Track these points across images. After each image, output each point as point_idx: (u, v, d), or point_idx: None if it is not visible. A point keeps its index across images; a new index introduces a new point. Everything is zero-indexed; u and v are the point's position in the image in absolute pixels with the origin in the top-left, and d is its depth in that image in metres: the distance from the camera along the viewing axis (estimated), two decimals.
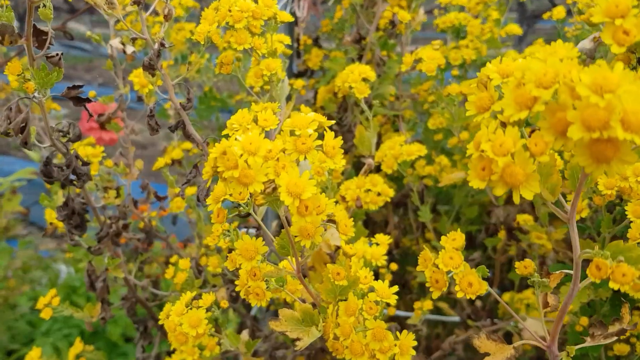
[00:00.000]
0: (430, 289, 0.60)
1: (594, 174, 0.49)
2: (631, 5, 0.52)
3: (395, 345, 0.80)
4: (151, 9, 1.14)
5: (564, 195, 1.21)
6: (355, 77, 1.35)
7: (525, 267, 0.62)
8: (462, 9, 2.16)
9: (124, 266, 1.36)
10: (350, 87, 1.36)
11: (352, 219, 1.23)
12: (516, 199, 0.52)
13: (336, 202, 1.45)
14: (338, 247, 1.27)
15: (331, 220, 1.29)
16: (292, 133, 0.67)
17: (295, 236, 0.71)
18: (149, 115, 1.10)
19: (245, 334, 1.10)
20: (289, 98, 1.53)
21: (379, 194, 1.39)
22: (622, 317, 0.67)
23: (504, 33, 2.41)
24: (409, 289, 1.93)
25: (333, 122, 0.71)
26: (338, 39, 1.94)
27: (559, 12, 1.89)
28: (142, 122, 1.33)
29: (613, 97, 0.46)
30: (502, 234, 1.46)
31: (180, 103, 1.11)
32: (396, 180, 1.83)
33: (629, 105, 0.46)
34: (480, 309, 1.57)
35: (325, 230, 0.81)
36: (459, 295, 0.59)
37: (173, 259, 1.30)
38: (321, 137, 0.71)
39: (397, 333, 0.83)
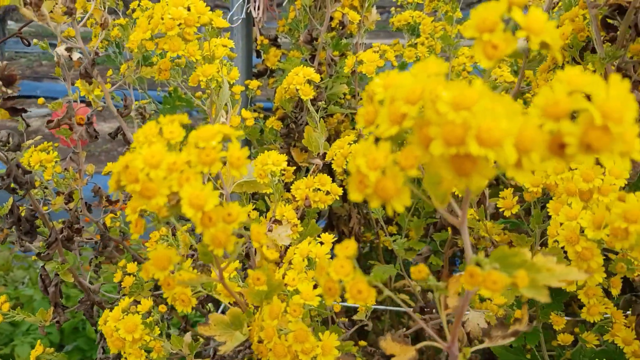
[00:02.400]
0: (325, 297, 0.62)
1: (459, 185, 0.51)
2: (498, 21, 0.54)
3: (318, 346, 0.83)
4: (85, 18, 1.15)
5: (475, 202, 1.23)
6: (300, 79, 1.36)
7: (419, 271, 0.64)
8: (418, 6, 2.18)
9: (74, 270, 1.37)
10: (297, 90, 1.38)
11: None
12: (389, 211, 0.54)
13: (288, 201, 1.47)
14: (288, 246, 1.29)
15: (277, 221, 1.31)
16: (196, 145, 0.69)
17: (208, 245, 0.73)
18: (87, 122, 1.11)
19: (188, 337, 1.12)
20: (248, 102, 1.56)
21: (327, 193, 1.41)
22: (522, 319, 0.69)
23: (457, 29, 2.44)
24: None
25: (240, 132, 0.72)
26: (295, 38, 1.96)
27: None
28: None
29: (468, 114, 0.48)
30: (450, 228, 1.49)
31: (117, 110, 1.12)
32: None
33: (484, 121, 0.48)
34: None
35: (271, 231, 0.83)
36: (350, 302, 0.61)
37: (121, 263, 1.31)
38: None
39: (320, 334, 0.85)
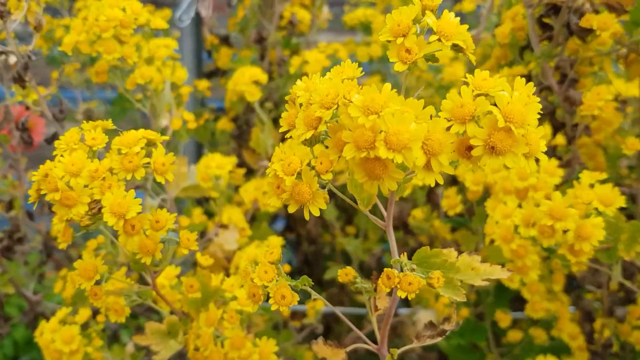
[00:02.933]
0: (248, 302, 0.61)
1: (371, 188, 0.51)
2: (411, 25, 0.54)
3: (255, 352, 0.82)
4: (17, 20, 1.11)
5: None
6: (246, 80, 1.35)
7: (346, 274, 0.64)
8: (372, 5, 2.18)
9: (15, 281, 1.33)
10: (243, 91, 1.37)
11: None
12: (306, 215, 0.54)
13: (239, 204, 1.45)
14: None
15: (223, 226, 1.30)
16: (119, 152, 0.67)
17: (136, 254, 0.71)
18: (21, 129, 1.08)
19: (130, 346, 1.10)
20: (198, 104, 1.52)
21: None
22: (450, 318, 0.70)
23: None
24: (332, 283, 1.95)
25: (166, 137, 0.71)
26: (246, 37, 1.94)
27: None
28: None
29: (377, 119, 0.48)
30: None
31: (53, 114, 1.09)
32: None
33: (392, 126, 0.48)
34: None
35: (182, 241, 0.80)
36: (273, 307, 0.60)
37: (62, 272, 1.28)
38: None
39: (257, 340, 0.84)
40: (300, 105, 0.58)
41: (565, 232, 0.74)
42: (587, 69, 1.10)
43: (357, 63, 0.56)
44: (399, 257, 0.60)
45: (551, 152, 1.08)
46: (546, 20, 1.03)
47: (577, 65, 1.08)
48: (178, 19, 1.86)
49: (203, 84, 1.74)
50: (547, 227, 0.75)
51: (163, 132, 1.25)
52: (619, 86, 1.35)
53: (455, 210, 1.12)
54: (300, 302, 0.63)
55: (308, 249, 1.94)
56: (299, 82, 0.61)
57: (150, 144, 0.69)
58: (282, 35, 1.72)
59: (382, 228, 0.64)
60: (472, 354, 1.25)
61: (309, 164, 0.53)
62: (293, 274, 1.97)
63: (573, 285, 1.30)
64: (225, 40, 1.98)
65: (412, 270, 0.56)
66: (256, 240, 1.28)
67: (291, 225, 2.17)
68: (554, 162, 0.91)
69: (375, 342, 0.72)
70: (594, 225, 0.74)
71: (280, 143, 0.56)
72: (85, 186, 0.66)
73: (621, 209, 1.18)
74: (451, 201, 1.13)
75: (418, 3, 0.55)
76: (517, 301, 1.25)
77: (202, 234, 1.30)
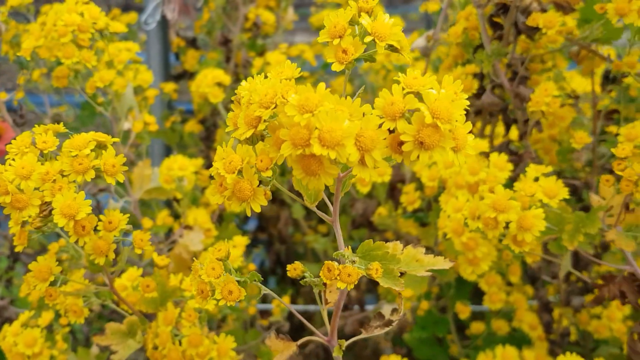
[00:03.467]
0: (197, 299, 0.63)
1: (309, 184, 0.53)
2: (347, 26, 0.56)
3: (213, 349, 0.83)
4: None
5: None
6: (208, 82, 1.36)
7: (294, 269, 0.65)
8: (338, 5, 2.20)
9: None
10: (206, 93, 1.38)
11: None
12: (248, 212, 0.56)
13: (206, 205, 1.46)
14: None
15: (188, 227, 1.30)
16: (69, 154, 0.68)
17: (90, 254, 0.72)
18: None
19: (95, 348, 1.10)
20: (166, 106, 1.53)
21: None
22: (399, 309, 0.72)
23: None
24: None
25: (117, 139, 0.72)
26: (213, 40, 1.95)
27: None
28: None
29: (311, 117, 0.50)
30: None
31: (13, 120, 1.09)
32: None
33: (326, 123, 0.50)
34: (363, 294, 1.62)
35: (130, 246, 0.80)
36: (220, 303, 0.62)
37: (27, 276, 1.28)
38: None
39: (215, 337, 0.86)
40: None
41: (508, 223, 0.77)
42: (538, 66, 1.13)
43: (294, 64, 0.57)
44: (345, 249, 0.62)
45: (505, 147, 1.11)
46: (496, 19, 1.06)
47: (528, 62, 1.11)
48: (144, 22, 1.86)
49: (169, 87, 1.74)
50: (490, 219, 0.78)
51: (125, 134, 1.26)
52: (577, 82, 1.39)
53: (414, 206, 1.15)
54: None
55: (280, 248, 1.96)
56: (244, 83, 0.62)
57: (100, 146, 0.70)
58: (248, 37, 1.74)
59: (330, 223, 0.66)
60: (436, 347, 1.27)
61: (250, 163, 0.55)
62: (266, 274, 2.00)
63: (534, 277, 1.33)
64: (192, 43, 1.98)
65: (353, 262, 0.58)
66: (221, 241, 1.29)
67: (263, 225, 2.19)
68: (504, 157, 0.94)
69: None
70: (534, 216, 0.76)
71: (223, 142, 0.58)
72: (37, 189, 0.67)
73: (578, 201, 1.23)
74: (410, 197, 1.16)
75: (354, 6, 0.57)
76: (481, 295, 1.29)
77: (168, 236, 1.31)
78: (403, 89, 0.52)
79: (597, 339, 1.27)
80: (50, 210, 0.66)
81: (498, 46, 1.05)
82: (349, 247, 0.63)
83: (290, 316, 1.71)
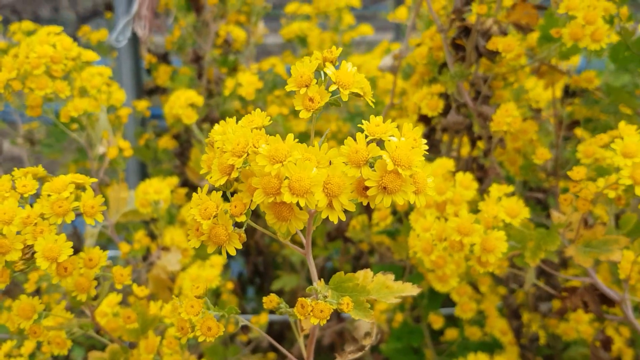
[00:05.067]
0: (179, 335, 0.65)
1: (281, 228, 0.56)
2: (312, 76, 0.60)
3: None
4: None
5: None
6: (181, 103, 1.38)
7: (270, 301, 0.68)
8: (307, 17, 2.23)
9: None
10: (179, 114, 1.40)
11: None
12: (223, 254, 0.59)
13: (183, 223, 1.48)
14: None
15: (165, 248, 1.32)
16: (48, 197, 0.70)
17: (72, 291, 0.74)
18: None
19: None
20: (139, 123, 1.54)
21: None
22: (371, 333, 0.76)
23: (356, 35, 2.51)
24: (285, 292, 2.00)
25: (94, 180, 0.74)
26: (185, 56, 1.96)
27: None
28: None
29: (281, 167, 0.53)
30: None
31: None
32: None
33: (295, 173, 0.53)
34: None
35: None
36: (200, 339, 0.64)
37: (6, 303, 1.28)
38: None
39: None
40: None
41: (472, 245, 0.81)
42: (500, 83, 1.18)
43: (264, 113, 0.60)
44: (317, 282, 0.65)
45: (471, 162, 1.15)
46: (459, 42, 1.10)
47: (491, 80, 1.16)
48: (114, 40, 1.87)
49: (142, 104, 1.76)
50: (456, 242, 0.82)
51: (100, 159, 1.27)
52: (540, 92, 1.45)
53: (385, 222, 1.19)
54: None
55: (257, 259, 1.99)
56: (216, 126, 0.65)
57: (79, 187, 0.72)
58: (219, 53, 1.76)
59: (303, 255, 0.69)
60: (412, 355, 1.32)
61: (224, 209, 0.58)
62: (245, 284, 2.01)
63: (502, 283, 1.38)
64: (164, 58, 1.99)
65: (325, 297, 0.61)
66: (198, 260, 1.32)
67: None
68: (469, 175, 0.98)
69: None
70: (497, 239, 0.81)
71: (199, 188, 0.61)
72: (18, 232, 0.69)
73: (543, 210, 1.28)
74: (382, 213, 1.19)
75: (319, 56, 0.61)
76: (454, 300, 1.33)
77: (145, 257, 1.33)
78: (366, 136, 0.55)
79: (566, 340, 1.33)
80: (33, 253, 0.68)
81: (461, 68, 1.09)
82: (322, 280, 0.66)
83: (270, 325, 1.75)
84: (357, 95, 0.61)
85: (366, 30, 2.51)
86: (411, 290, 0.71)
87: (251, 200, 0.57)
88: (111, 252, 1.71)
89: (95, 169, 1.28)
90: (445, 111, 1.14)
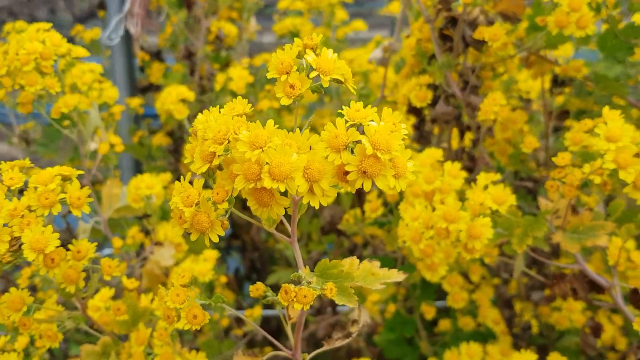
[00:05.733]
0: (165, 324, 0.66)
1: (263, 214, 0.57)
2: (293, 63, 0.60)
3: None
4: None
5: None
6: (173, 99, 1.39)
7: (256, 289, 0.69)
8: (300, 13, 2.24)
9: None
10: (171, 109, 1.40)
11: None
12: (207, 243, 0.59)
13: None
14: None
15: (158, 243, 1.33)
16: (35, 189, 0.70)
17: (61, 283, 0.75)
18: None
19: None
20: (132, 120, 1.54)
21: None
22: (358, 320, 0.76)
23: (349, 30, 2.52)
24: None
25: (81, 172, 0.74)
26: (177, 52, 1.97)
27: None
28: None
29: (261, 153, 0.53)
30: None
31: None
32: None
33: (275, 158, 0.53)
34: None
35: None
36: (186, 327, 0.65)
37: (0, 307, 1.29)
38: None
39: (187, 353, 0.89)
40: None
41: (458, 232, 0.82)
42: (489, 74, 1.18)
43: (245, 100, 0.61)
44: (303, 269, 0.66)
45: (460, 153, 1.16)
46: (446, 32, 1.11)
47: (479, 71, 1.16)
48: (107, 38, 1.87)
49: (135, 102, 1.76)
50: (442, 229, 0.82)
51: (92, 155, 1.27)
52: (531, 83, 1.45)
53: (377, 213, 1.19)
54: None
55: (253, 255, 1.99)
56: (200, 116, 0.65)
57: (66, 179, 0.72)
58: (211, 49, 1.76)
59: (289, 244, 0.69)
60: (405, 346, 1.32)
61: (206, 197, 0.58)
62: (242, 280, 2.02)
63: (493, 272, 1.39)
64: (157, 56, 2.00)
65: (309, 283, 0.62)
66: (192, 255, 1.32)
67: (236, 232, 2.22)
68: (457, 165, 0.99)
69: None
70: (482, 225, 0.81)
71: (181, 177, 0.61)
72: (5, 225, 0.69)
73: (534, 200, 1.28)
74: (372, 205, 1.20)
75: (300, 44, 0.61)
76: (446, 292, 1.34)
77: (139, 253, 1.34)
78: (346, 122, 0.56)
79: (559, 330, 1.34)
80: (20, 245, 0.68)
81: (448, 58, 1.09)
82: (307, 267, 0.67)
83: (265, 322, 1.75)
84: (338, 82, 0.61)
85: (359, 26, 2.52)
86: (397, 276, 0.71)
87: (233, 188, 0.57)
88: (108, 250, 1.71)
89: (87, 167, 1.28)
90: (435, 102, 1.15)
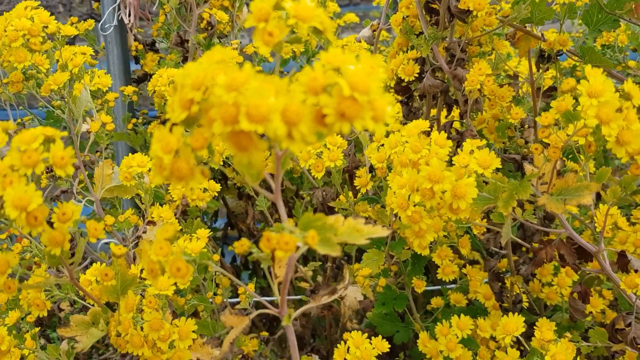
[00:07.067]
0: (148, 278, 0.66)
1: (242, 160, 0.57)
2: (271, 10, 0.61)
3: (175, 332, 0.87)
4: None
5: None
6: (164, 81, 1.39)
7: (241, 245, 0.69)
8: None
9: None
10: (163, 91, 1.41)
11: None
12: (187, 192, 0.59)
13: (171, 202, 1.49)
14: None
15: (151, 222, 1.33)
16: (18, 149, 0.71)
17: (46, 246, 0.75)
18: None
19: (64, 344, 1.13)
20: (127, 110, 1.55)
21: (205, 190, 1.44)
22: (344, 277, 0.76)
23: (342, 22, 2.53)
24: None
25: (64, 133, 0.75)
26: (171, 42, 1.97)
27: None
28: None
29: (238, 95, 0.54)
30: None
31: None
32: None
33: (252, 100, 0.54)
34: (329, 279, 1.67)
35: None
36: (170, 280, 0.65)
37: None
38: None
39: (176, 321, 0.89)
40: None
41: (444, 193, 0.82)
42: (476, 49, 1.19)
43: (229, 48, 0.61)
44: (287, 221, 0.66)
45: (449, 126, 1.16)
46: (432, 5, 1.12)
47: (466, 45, 1.17)
48: (100, 27, 1.88)
49: (129, 89, 1.77)
50: (427, 189, 0.83)
51: (83, 136, 1.28)
52: (523, 63, 1.46)
53: (366, 188, 1.20)
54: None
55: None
56: (179, 70, 0.66)
57: (49, 140, 0.73)
58: (204, 36, 1.77)
59: (274, 201, 0.70)
60: (398, 323, 1.32)
61: (185, 143, 0.58)
62: (239, 269, 2.03)
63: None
64: (151, 46, 2.01)
65: (291, 232, 0.62)
66: (185, 235, 1.33)
67: (232, 222, 2.22)
68: (443, 135, 0.99)
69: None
70: (467, 185, 0.82)
71: (162, 125, 0.62)
72: None
73: (523, 176, 1.29)
74: (362, 180, 1.20)
75: None
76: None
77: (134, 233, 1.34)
78: (324, 65, 0.56)
79: (551, 305, 1.34)
80: (2, 204, 0.69)
81: (434, 30, 1.10)
82: (291, 219, 0.67)
83: (257, 306, 1.75)
84: (318, 31, 0.62)
85: (352, 17, 2.53)
86: (381, 232, 0.71)
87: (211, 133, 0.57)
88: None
89: (77, 148, 1.29)
90: (422, 76, 1.15)
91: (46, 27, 1.12)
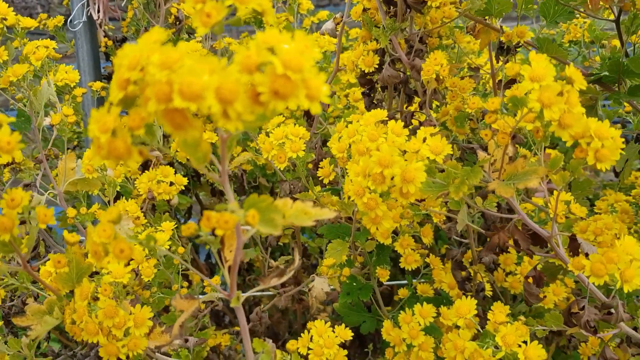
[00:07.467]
0: (92, 260, 0.66)
1: (178, 138, 0.58)
2: None
3: (130, 319, 0.87)
4: None
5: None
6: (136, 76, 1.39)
7: (188, 228, 0.70)
8: None
9: None
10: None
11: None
12: (133, 167, 0.60)
13: (138, 196, 1.49)
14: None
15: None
16: None
17: None
18: None
19: (26, 338, 1.12)
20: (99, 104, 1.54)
21: (172, 184, 1.45)
22: (294, 261, 0.77)
23: (316, 20, 2.54)
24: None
25: (12, 119, 0.75)
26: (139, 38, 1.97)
27: None
28: None
29: (171, 73, 0.54)
30: None
31: None
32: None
33: (185, 78, 0.54)
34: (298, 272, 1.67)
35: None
36: (114, 261, 0.65)
37: None
38: None
39: (131, 308, 0.89)
40: None
41: (393, 178, 0.83)
42: (436, 41, 1.21)
43: (162, 29, 0.62)
44: (232, 202, 0.67)
45: (409, 117, 1.18)
46: None
47: (426, 37, 1.19)
48: (69, 23, 1.88)
49: (97, 85, 1.76)
50: (377, 174, 0.84)
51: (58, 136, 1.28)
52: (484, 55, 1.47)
53: (329, 178, 1.21)
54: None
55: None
56: (119, 51, 0.66)
57: None
58: (172, 32, 1.77)
59: (220, 182, 0.70)
60: (364, 313, 1.34)
61: (122, 123, 0.59)
62: (213, 267, 2.02)
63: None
64: (122, 42, 2.00)
65: (232, 211, 0.63)
66: (151, 228, 1.33)
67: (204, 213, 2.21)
68: (400, 123, 1.00)
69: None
70: (416, 169, 0.83)
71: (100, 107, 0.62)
72: None
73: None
74: (325, 171, 1.21)
75: None
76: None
77: None
78: (259, 44, 0.57)
79: (515, 294, 1.36)
80: None
81: (392, 22, 1.11)
82: (236, 201, 0.67)
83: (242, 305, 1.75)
84: (257, 13, 0.63)
85: (324, 15, 2.54)
86: (328, 214, 0.72)
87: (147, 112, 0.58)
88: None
89: (39, 141, 1.28)
90: (381, 68, 1.17)
91: (5, 19, 1.12)
